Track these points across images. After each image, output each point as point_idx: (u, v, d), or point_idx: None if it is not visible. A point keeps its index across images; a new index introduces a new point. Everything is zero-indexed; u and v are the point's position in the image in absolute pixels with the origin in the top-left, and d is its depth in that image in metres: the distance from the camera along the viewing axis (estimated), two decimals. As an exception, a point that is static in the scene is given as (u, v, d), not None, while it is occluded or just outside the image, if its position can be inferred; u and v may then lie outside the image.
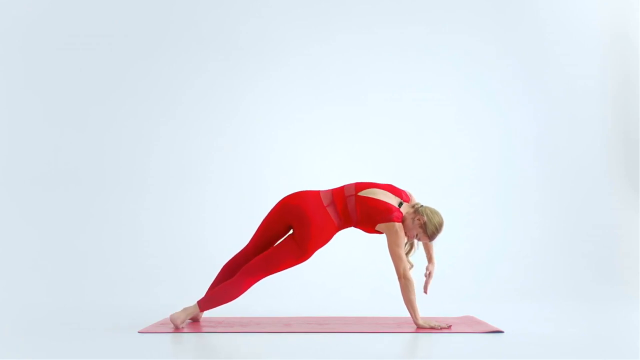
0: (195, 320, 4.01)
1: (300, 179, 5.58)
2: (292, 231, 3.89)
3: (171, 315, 3.77)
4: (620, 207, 5.78)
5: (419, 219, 3.80)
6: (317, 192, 3.91)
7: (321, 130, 5.73)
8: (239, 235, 5.42)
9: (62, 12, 5.70)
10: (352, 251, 4.52)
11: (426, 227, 3.79)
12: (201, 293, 4.12)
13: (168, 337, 3.60)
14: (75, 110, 5.66)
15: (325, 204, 3.84)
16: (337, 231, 3.88)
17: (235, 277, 3.80)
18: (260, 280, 3.87)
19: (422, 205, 3.86)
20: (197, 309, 3.78)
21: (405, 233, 3.83)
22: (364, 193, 3.85)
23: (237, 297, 3.79)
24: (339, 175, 5.51)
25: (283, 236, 3.94)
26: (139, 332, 3.68)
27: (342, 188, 3.92)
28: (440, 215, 3.82)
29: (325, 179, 5.52)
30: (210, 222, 5.57)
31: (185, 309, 3.78)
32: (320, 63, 5.81)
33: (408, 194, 3.98)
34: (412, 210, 3.85)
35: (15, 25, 5.66)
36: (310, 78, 5.80)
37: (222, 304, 3.81)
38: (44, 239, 5.42)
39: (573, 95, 5.89)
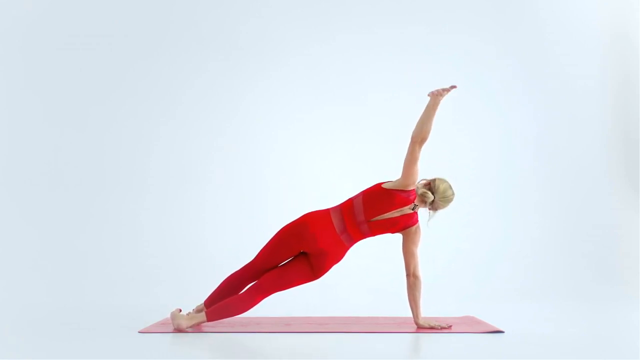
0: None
1: (300, 179, 5.59)
2: (303, 251, 3.85)
3: (175, 319, 3.74)
4: (620, 207, 5.78)
5: (433, 208, 3.87)
6: (328, 215, 3.82)
7: (321, 130, 5.73)
8: (238, 235, 5.45)
9: (62, 12, 5.70)
10: (352, 251, 4.51)
11: (439, 210, 3.89)
12: (201, 293, 4.12)
13: (168, 337, 3.60)
14: (75, 110, 5.66)
15: (338, 232, 3.79)
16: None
17: (246, 292, 3.78)
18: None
19: (434, 191, 3.85)
20: (204, 318, 3.74)
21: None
22: (376, 219, 3.81)
23: (246, 311, 3.77)
24: (339, 175, 5.53)
25: (293, 255, 3.88)
26: (139, 332, 3.68)
27: (351, 207, 3.83)
28: (450, 201, 3.86)
29: (325, 178, 5.54)
30: (210, 222, 5.56)
31: (191, 317, 3.74)
32: (320, 63, 5.81)
33: (415, 180, 3.86)
34: (427, 206, 3.87)
35: (16, 25, 5.66)
36: (310, 78, 5.80)
37: (230, 317, 3.78)
38: (44, 239, 5.42)
39: (573, 95, 5.89)
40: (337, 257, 3.83)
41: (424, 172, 4.00)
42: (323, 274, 3.84)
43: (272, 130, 5.73)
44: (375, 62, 5.82)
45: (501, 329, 3.75)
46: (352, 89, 5.79)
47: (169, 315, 3.95)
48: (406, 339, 3.65)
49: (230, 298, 3.79)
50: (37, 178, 5.53)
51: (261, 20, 5.81)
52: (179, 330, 3.71)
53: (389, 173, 5.59)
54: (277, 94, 5.77)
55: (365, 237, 3.87)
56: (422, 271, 3.88)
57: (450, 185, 3.89)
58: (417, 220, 3.87)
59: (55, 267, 5.30)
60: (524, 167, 5.81)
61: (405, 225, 3.84)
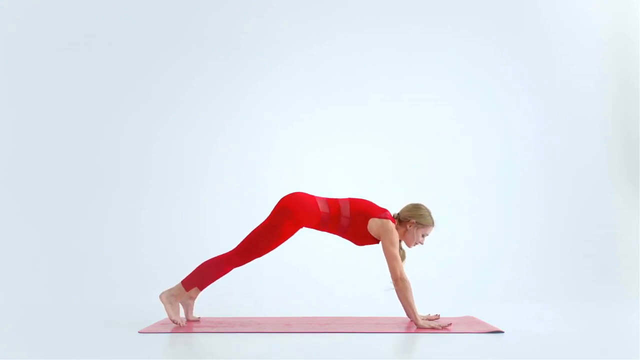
0: (192, 319, 4.04)
1: (300, 179, 5.59)
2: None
3: (160, 295, 3.93)
4: (620, 207, 5.78)
5: (410, 224, 3.93)
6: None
7: (321, 130, 5.73)
8: (238, 235, 5.43)
9: (63, 11, 5.70)
10: (352, 251, 4.52)
11: (421, 222, 3.92)
12: (200, 292, 4.13)
13: (168, 337, 3.60)
14: (75, 110, 5.66)
15: (315, 197, 3.97)
16: (320, 216, 3.90)
17: (220, 256, 3.94)
18: (248, 263, 4.00)
19: (398, 214, 3.99)
20: (182, 289, 3.93)
21: (408, 244, 3.98)
22: (357, 197, 4.00)
23: (219, 277, 3.95)
24: (339, 175, 5.53)
25: None
26: (139, 332, 3.68)
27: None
28: (415, 205, 3.97)
29: (325, 179, 5.54)
30: (210, 222, 5.57)
31: (170, 289, 3.94)
32: (321, 63, 5.81)
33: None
34: (397, 223, 3.97)
35: (17, 25, 5.66)
36: (310, 78, 5.80)
37: (205, 281, 3.95)
38: (43, 238, 5.42)
39: (573, 95, 5.89)
40: (300, 202, 3.88)
41: (424, 174, 4.02)
42: (285, 221, 3.86)
43: (272, 130, 5.73)
44: (376, 62, 5.82)
45: (501, 329, 3.75)
46: (352, 89, 5.80)
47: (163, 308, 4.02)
48: (406, 339, 3.65)
49: (203, 263, 3.95)
50: (37, 178, 5.53)
51: (262, 20, 5.82)
52: (169, 316, 3.85)
53: (390, 173, 5.61)
54: (277, 94, 5.77)
55: (341, 218, 3.90)
56: (420, 272, 3.90)
57: (418, 206, 4.02)
58: (392, 220, 3.90)
59: (54, 267, 5.30)
60: (524, 167, 5.81)
61: (382, 213, 3.88)
